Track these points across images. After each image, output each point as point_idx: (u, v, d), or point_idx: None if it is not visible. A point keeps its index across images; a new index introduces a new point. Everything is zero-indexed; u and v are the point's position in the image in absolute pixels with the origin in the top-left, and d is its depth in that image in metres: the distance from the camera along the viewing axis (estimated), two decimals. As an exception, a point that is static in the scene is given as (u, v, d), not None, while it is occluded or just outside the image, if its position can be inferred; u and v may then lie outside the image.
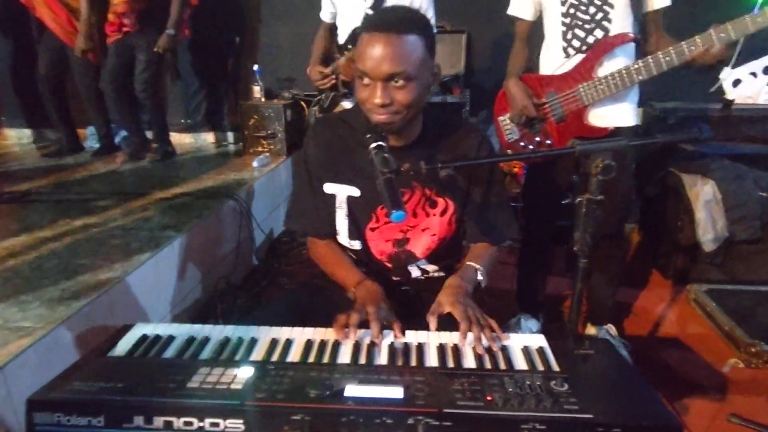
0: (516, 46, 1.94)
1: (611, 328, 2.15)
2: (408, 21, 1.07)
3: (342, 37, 2.41)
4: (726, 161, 2.60)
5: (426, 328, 1.08)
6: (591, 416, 0.79)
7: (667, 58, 1.61)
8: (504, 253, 2.50)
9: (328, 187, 1.28)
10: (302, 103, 3.65)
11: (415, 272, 1.35)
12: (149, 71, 3.34)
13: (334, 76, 2.38)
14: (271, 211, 3.18)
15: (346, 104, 2.46)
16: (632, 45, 1.76)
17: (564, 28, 1.77)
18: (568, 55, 1.79)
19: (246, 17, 3.83)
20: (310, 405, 0.81)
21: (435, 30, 1.34)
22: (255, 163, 3.26)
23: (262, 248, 2.99)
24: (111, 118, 3.74)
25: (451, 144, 1.24)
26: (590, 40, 1.74)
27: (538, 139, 1.90)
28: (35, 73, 3.59)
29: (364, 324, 1.06)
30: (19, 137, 4.31)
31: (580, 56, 1.77)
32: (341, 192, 1.27)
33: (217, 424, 0.80)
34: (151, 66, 3.34)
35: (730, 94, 3.41)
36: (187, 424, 0.80)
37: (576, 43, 1.76)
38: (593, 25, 1.73)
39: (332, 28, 2.50)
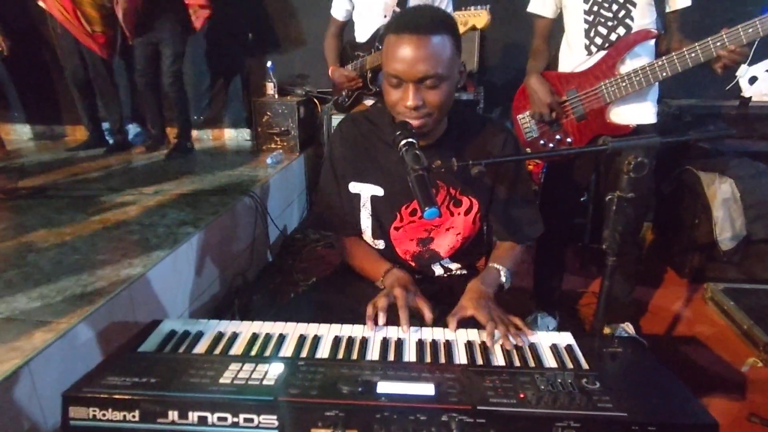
0: (536, 44, 1.92)
1: (628, 327, 2.14)
2: (437, 21, 1.06)
3: (361, 35, 2.39)
4: (744, 159, 2.58)
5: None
6: (625, 415, 0.79)
7: (693, 54, 1.60)
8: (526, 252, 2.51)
9: (353, 187, 1.28)
10: (315, 99, 3.66)
11: (438, 270, 1.35)
12: (177, 64, 3.38)
13: (359, 79, 2.34)
14: (284, 207, 3.18)
15: (369, 102, 2.45)
16: (653, 42, 1.75)
17: (587, 26, 1.75)
18: (590, 53, 1.77)
19: (259, 13, 3.83)
20: (344, 401, 0.81)
21: None
22: (268, 160, 3.27)
23: (276, 245, 3.00)
24: (124, 114, 3.78)
25: (477, 142, 1.23)
26: (613, 37, 1.72)
27: (558, 137, 1.89)
28: (49, 69, 3.62)
29: (392, 319, 1.06)
30: (18, 133, 4.36)
31: (602, 53, 1.75)
32: (365, 191, 1.27)
33: (251, 420, 0.80)
34: (179, 59, 3.38)
35: (747, 91, 3.37)
36: (221, 419, 0.81)
37: (598, 41, 1.75)
38: (616, 22, 1.71)
39: (343, 27, 2.48)
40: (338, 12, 2.46)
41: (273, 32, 3.76)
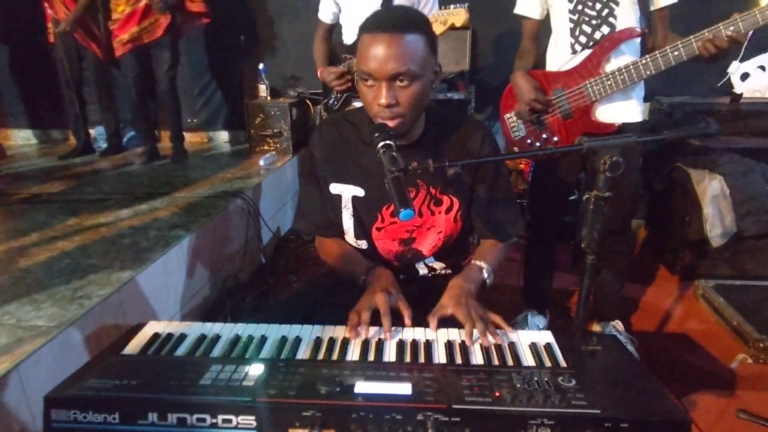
0: (524, 44, 1.94)
1: (618, 324, 2.15)
2: (409, 20, 1.07)
3: (348, 37, 2.40)
4: (734, 155, 2.59)
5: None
6: (598, 411, 0.79)
7: (676, 53, 1.61)
8: (511, 249, 2.50)
9: (334, 188, 1.29)
10: (308, 101, 3.66)
11: (422, 270, 1.36)
12: (174, 69, 3.38)
13: (349, 76, 2.34)
14: (278, 209, 3.19)
15: (358, 104, 2.45)
16: (638, 41, 1.76)
17: (572, 25, 1.77)
18: (575, 51, 1.78)
19: (251, 16, 3.85)
20: (321, 401, 0.82)
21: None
22: (261, 162, 3.28)
23: (269, 246, 3.01)
24: (121, 119, 3.79)
25: (455, 141, 1.24)
26: (597, 36, 1.74)
27: (544, 136, 1.90)
28: (45, 76, 3.63)
29: (374, 320, 1.07)
30: (22, 138, 4.37)
31: (587, 52, 1.77)
32: (346, 192, 1.28)
33: (229, 421, 0.81)
34: (176, 64, 3.39)
35: (739, 88, 3.39)
36: (200, 420, 0.82)
37: (583, 39, 1.76)
38: (600, 21, 1.72)
39: (331, 30, 2.49)
40: (325, 15, 2.47)
41: (265, 34, 3.78)
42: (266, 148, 3.60)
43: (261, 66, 3.61)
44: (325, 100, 2.58)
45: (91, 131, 3.94)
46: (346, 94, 2.44)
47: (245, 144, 3.79)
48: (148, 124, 3.62)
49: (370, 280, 1.18)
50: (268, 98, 3.60)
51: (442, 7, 2.06)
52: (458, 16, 2.04)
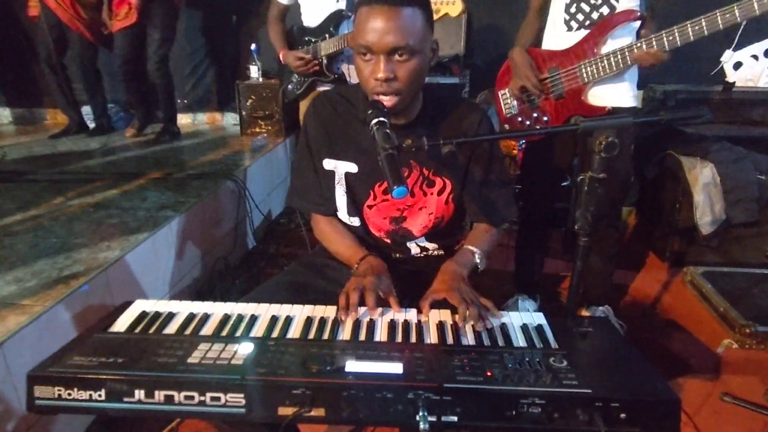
0: (528, 17, 1.92)
1: (607, 310, 2.16)
2: None
3: (310, 19, 2.31)
4: (725, 143, 2.60)
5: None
6: (590, 391, 0.79)
7: (670, 37, 1.59)
8: (503, 234, 2.51)
9: (327, 163, 1.27)
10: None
11: (414, 249, 1.35)
12: (164, 48, 3.30)
13: (316, 61, 2.28)
14: (269, 192, 3.17)
15: (324, 89, 2.37)
16: (636, 24, 1.74)
17: (568, 1, 1.75)
18: (570, 29, 1.76)
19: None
20: (311, 379, 0.81)
21: None
22: (253, 144, 3.24)
23: (260, 229, 2.98)
24: (108, 98, 3.72)
25: (452, 122, 1.23)
26: (594, 15, 1.71)
27: (536, 115, 1.89)
28: (17, 52, 3.53)
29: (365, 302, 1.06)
30: (14, 116, 4.28)
31: (584, 32, 1.74)
32: (340, 168, 1.26)
33: (218, 399, 0.80)
34: (166, 43, 3.31)
35: (731, 76, 3.39)
36: (188, 398, 0.81)
37: (580, 17, 1.74)
38: (600, 1, 1.70)
39: (286, 11, 2.39)
40: None
41: (258, 15, 3.70)
42: (258, 130, 3.55)
43: (253, 47, 3.55)
44: (285, 85, 2.50)
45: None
46: (312, 78, 2.37)
47: (237, 125, 3.74)
48: (141, 103, 3.55)
49: (362, 268, 1.17)
50: (260, 80, 3.54)
51: None
52: (453, 6, 2.01)
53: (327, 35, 2.26)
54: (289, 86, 2.48)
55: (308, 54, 2.28)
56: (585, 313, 2.19)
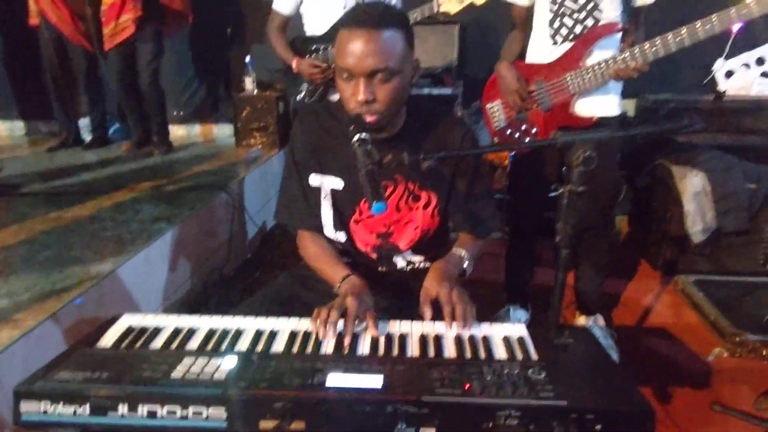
0: (513, 32, 1.96)
1: (599, 318, 2.18)
2: (388, 16, 1.08)
3: (316, 28, 2.34)
4: (715, 152, 2.62)
5: (414, 315, 1.10)
6: (565, 403, 0.81)
7: (654, 48, 1.62)
8: (494, 245, 2.52)
9: (314, 179, 1.29)
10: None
11: (400, 263, 1.36)
12: (156, 62, 3.34)
13: (332, 69, 2.27)
14: (264, 203, 3.18)
15: (336, 97, 2.41)
16: (618, 36, 1.77)
17: (551, 15, 1.78)
18: (555, 42, 1.80)
19: (237, 8, 3.81)
20: (291, 393, 0.82)
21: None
22: (247, 155, 3.26)
23: (254, 240, 3.00)
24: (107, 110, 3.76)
25: (435, 136, 1.25)
26: (578, 29, 1.74)
27: (524, 127, 1.91)
28: (31, 62, 3.58)
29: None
30: (11, 129, 4.30)
31: (568, 45, 1.78)
32: (326, 183, 1.28)
33: (200, 413, 0.82)
34: (158, 57, 3.35)
35: (723, 85, 3.42)
36: (170, 413, 0.82)
37: (564, 31, 1.77)
38: (584, 14, 1.73)
39: (288, 21, 2.40)
40: (284, 5, 2.36)
41: (252, 27, 3.74)
42: (253, 141, 3.58)
43: (248, 59, 3.58)
44: (296, 96, 2.47)
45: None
46: (323, 86, 2.36)
47: (232, 137, 3.77)
48: (137, 115, 3.58)
49: (345, 289, 1.17)
50: (255, 91, 3.57)
51: None
52: None
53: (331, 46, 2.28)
54: (298, 97, 2.45)
55: (323, 62, 2.27)
56: (581, 319, 2.20)
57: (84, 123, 3.88)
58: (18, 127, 4.30)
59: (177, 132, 4.08)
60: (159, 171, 3.08)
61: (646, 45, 1.63)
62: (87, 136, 3.80)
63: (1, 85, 4.12)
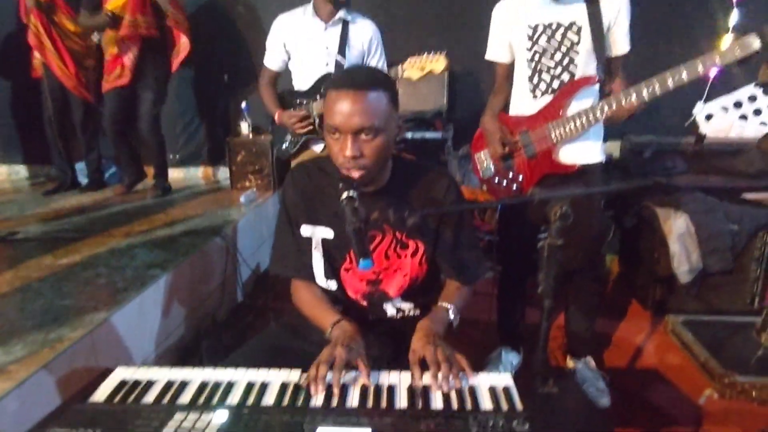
0: (496, 86, 2.06)
1: (591, 361, 2.19)
2: (372, 78, 1.17)
3: (301, 83, 2.48)
4: (698, 194, 2.69)
5: (404, 364, 1.12)
6: (548, 456, 0.83)
7: (627, 98, 1.71)
8: (486, 283, 2.55)
9: (305, 230, 1.34)
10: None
11: (390, 311, 1.40)
12: (156, 108, 3.43)
13: (311, 119, 2.41)
14: (258, 245, 3.21)
15: (317, 148, 2.50)
16: (597, 87, 1.86)
17: (530, 72, 1.88)
18: (535, 96, 1.89)
19: (234, 54, 3.94)
20: (281, 449, 0.84)
21: None
22: (242, 199, 3.31)
23: (248, 283, 3.01)
24: (103, 154, 3.82)
25: (420, 188, 1.31)
26: (555, 84, 1.84)
27: (511, 175, 1.98)
28: (34, 110, 3.67)
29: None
30: (12, 173, 4.37)
31: (548, 97, 1.87)
32: (317, 233, 1.33)
33: (190, 470, 0.83)
34: (158, 104, 3.44)
35: (704, 127, 3.54)
36: (161, 469, 0.83)
37: (542, 86, 1.87)
38: (560, 69, 1.83)
39: (277, 76, 2.57)
40: (273, 62, 2.53)
41: (248, 73, 3.86)
42: (248, 184, 3.65)
43: (243, 104, 3.69)
44: (279, 145, 2.61)
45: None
46: (305, 137, 2.49)
47: (227, 180, 3.83)
48: (129, 162, 3.64)
49: (336, 334, 1.20)
50: (251, 136, 3.67)
51: (418, 54, 2.16)
52: (437, 63, 2.14)
53: (318, 96, 2.40)
54: (284, 146, 2.59)
55: (302, 113, 2.41)
56: (571, 362, 2.21)
57: (81, 167, 3.94)
58: (20, 171, 4.37)
59: (175, 175, 4.12)
60: (155, 215, 3.11)
61: (631, 89, 1.70)
62: (84, 180, 3.86)
63: (6, 132, 4.21)
